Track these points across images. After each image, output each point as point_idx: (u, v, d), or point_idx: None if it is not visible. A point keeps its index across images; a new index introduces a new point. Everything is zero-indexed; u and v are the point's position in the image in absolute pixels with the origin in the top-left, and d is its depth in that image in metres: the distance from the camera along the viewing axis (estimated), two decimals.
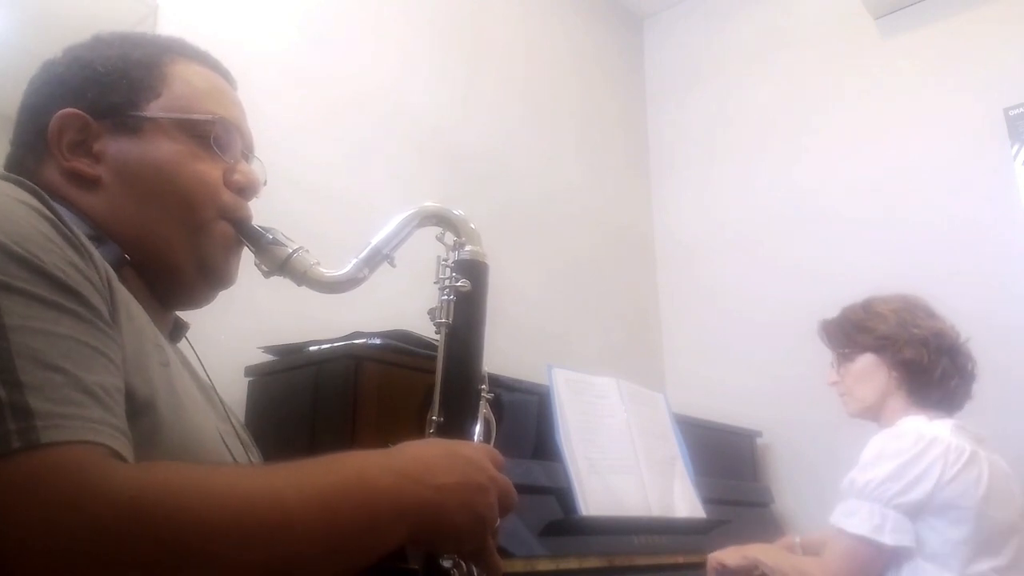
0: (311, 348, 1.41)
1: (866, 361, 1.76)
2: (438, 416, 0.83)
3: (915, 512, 1.51)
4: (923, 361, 1.68)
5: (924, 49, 2.50)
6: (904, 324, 1.72)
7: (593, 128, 2.89)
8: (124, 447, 0.54)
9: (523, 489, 1.46)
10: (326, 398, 1.34)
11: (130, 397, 0.61)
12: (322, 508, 0.58)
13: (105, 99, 0.80)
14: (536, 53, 2.69)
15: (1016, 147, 2.25)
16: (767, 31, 2.91)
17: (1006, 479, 1.62)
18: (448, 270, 0.90)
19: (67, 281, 0.57)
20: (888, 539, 1.50)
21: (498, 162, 2.37)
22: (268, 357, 1.50)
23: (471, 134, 2.31)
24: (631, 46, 3.27)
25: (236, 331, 1.49)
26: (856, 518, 1.53)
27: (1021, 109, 2.26)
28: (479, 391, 0.87)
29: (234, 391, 1.37)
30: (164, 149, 0.81)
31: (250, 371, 1.48)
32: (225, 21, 1.71)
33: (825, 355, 1.88)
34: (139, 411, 0.62)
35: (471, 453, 0.74)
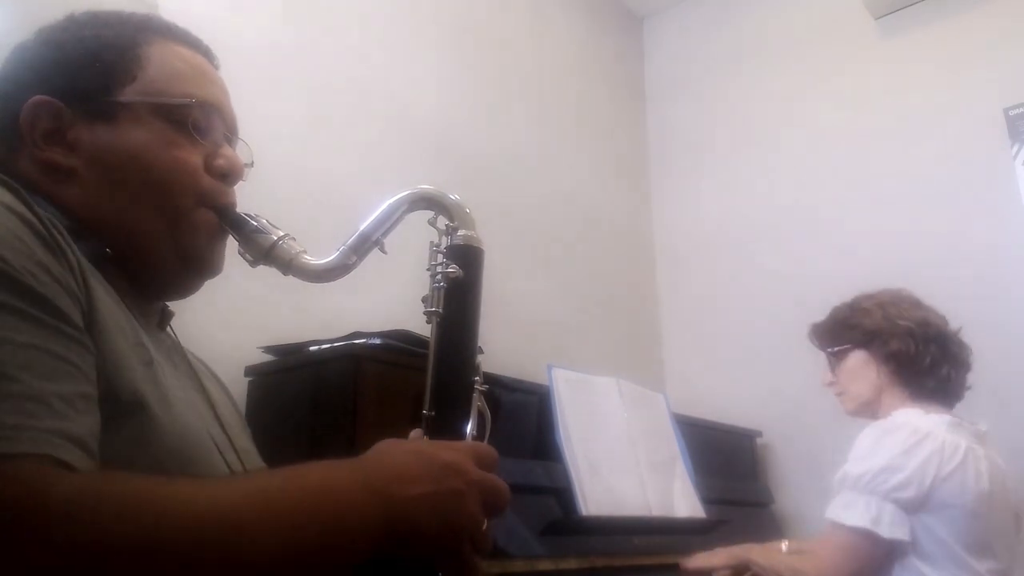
0: (311, 348, 1.41)
1: (856, 358, 1.76)
2: (429, 411, 0.79)
3: (911, 508, 1.49)
4: (910, 351, 1.68)
5: (924, 49, 2.50)
6: (889, 317, 1.72)
7: (593, 128, 2.89)
8: (75, 455, 0.53)
9: (523, 489, 1.47)
10: (326, 398, 1.34)
11: (112, 399, 0.60)
12: (280, 524, 0.56)
13: (77, 84, 0.76)
14: (535, 52, 2.69)
15: (1016, 147, 2.25)
16: (767, 31, 2.91)
17: (1002, 477, 1.61)
18: (440, 256, 0.84)
19: (32, 285, 0.56)
20: (886, 532, 1.47)
21: (497, 162, 2.37)
22: (268, 357, 1.50)
23: (470, 133, 2.31)
24: (631, 46, 3.27)
25: (236, 331, 1.49)
26: (853, 510, 1.50)
27: (1021, 109, 2.26)
28: (472, 384, 0.81)
29: (234, 391, 1.37)
30: (139, 136, 0.77)
31: (250, 371, 1.48)
32: (226, 19, 1.71)
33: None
34: (125, 411, 0.61)
35: (449, 457, 0.68)
